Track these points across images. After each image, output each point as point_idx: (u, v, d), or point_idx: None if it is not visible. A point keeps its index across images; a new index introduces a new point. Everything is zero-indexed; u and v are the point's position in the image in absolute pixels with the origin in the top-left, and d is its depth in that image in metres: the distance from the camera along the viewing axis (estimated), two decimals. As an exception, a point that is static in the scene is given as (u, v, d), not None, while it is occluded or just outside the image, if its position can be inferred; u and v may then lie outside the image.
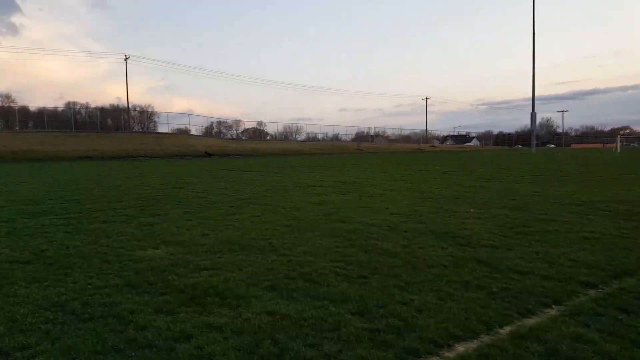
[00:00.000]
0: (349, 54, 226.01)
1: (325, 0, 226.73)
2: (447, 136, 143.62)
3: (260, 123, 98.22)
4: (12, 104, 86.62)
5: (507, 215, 8.67)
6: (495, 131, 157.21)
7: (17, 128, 74.79)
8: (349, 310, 3.78)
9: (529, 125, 64.53)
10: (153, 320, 3.55)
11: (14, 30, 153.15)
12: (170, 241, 6.46)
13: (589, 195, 11.48)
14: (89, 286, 4.39)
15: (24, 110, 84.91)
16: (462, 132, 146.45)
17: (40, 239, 6.56)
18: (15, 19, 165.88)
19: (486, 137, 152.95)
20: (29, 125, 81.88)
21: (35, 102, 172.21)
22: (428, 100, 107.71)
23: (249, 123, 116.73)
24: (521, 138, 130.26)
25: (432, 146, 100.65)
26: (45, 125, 70.61)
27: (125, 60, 66.54)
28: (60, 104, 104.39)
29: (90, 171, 24.06)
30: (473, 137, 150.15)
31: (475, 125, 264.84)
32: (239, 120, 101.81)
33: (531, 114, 60.35)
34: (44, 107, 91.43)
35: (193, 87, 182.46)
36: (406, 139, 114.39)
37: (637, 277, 4.72)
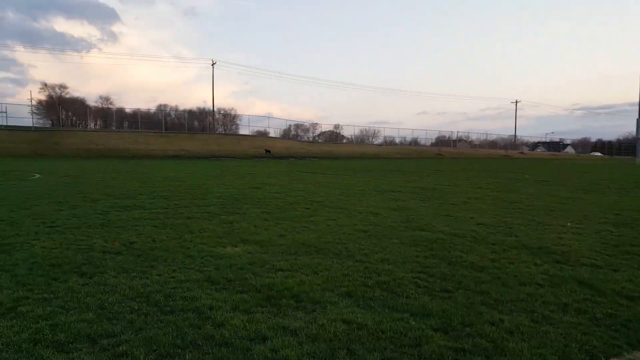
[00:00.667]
0: (429, 55, 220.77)
1: (403, 1, 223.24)
2: (538, 143, 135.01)
3: (336, 126, 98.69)
4: (110, 106, 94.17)
5: (611, 231, 7.82)
6: (594, 138, 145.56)
7: (113, 127, 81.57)
8: (431, 326, 3.51)
9: (634, 133, 58.75)
10: (230, 318, 3.52)
11: (113, 38, 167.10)
12: (249, 240, 6.53)
13: None
14: (172, 279, 4.51)
15: (121, 111, 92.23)
16: (555, 138, 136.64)
17: (130, 232, 6.92)
18: (115, 27, 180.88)
19: (583, 145, 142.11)
20: (124, 125, 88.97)
21: (130, 104, 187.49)
22: (518, 104, 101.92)
23: (326, 126, 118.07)
24: (624, 147, 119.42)
25: (521, 153, 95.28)
26: (138, 125, 76.34)
27: (212, 65, 69.94)
28: (152, 106, 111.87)
29: (177, 169, 25.45)
30: (567, 145, 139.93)
31: (570, 131, 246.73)
32: (316, 123, 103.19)
33: (637, 120, 54.88)
34: (138, 109, 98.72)
35: (273, 91, 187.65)
36: (492, 144, 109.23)
37: None
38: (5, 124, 53.92)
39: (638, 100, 55.88)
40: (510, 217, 9.35)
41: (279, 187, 15.43)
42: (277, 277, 4.63)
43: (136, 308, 3.69)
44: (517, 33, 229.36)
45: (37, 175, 18.42)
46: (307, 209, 10.05)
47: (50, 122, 79.58)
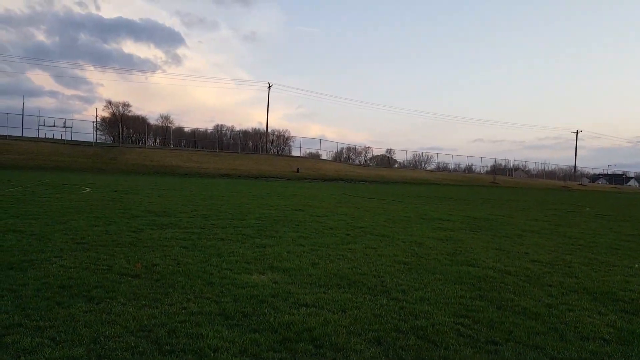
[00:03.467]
0: (485, 80, 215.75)
1: (458, 26, 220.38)
2: (599, 175, 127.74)
3: (389, 150, 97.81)
4: (169, 124, 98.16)
5: (684, 276, 6.79)
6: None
7: (171, 145, 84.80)
8: (472, 391, 2.91)
9: None
10: (234, 364, 3.07)
11: (177, 60, 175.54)
12: (278, 267, 6.10)
13: None
14: (183, 311, 4.12)
15: (179, 130, 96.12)
16: (618, 171, 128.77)
17: (157, 252, 6.67)
18: (180, 50, 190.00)
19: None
20: (182, 143, 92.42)
21: (190, 123, 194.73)
22: (579, 134, 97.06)
23: (378, 150, 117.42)
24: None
25: (581, 184, 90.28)
26: (195, 144, 79.03)
27: (268, 88, 71.42)
28: (210, 126, 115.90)
29: (224, 188, 25.65)
30: (631, 178, 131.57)
31: (633, 164, 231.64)
32: (368, 147, 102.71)
33: None
34: (196, 128, 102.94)
35: (327, 114, 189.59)
36: (550, 174, 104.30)
37: None
38: (70, 138, 57.30)
39: None
40: (570, 254, 8.42)
41: (322, 210, 15.01)
42: (299, 315, 4.15)
43: (133, 345, 3.30)
44: (579, 60, 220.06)
45: (88, 189, 18.99)
46: (347, 234, 9.55)
47: (112, 138, 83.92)
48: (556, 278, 6.34)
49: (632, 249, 9.42)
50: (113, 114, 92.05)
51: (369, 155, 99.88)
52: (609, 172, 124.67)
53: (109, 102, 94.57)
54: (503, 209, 19.53)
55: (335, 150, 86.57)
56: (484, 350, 3.61)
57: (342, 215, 13.55)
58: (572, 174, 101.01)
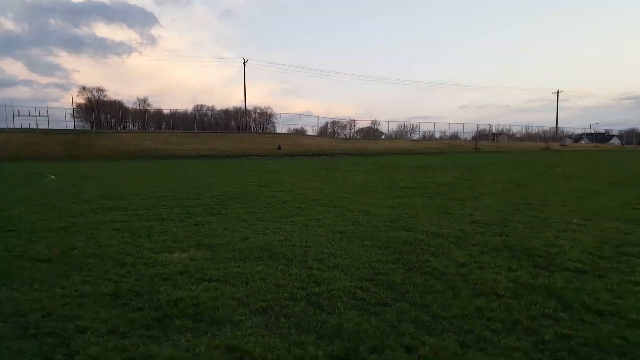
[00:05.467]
0: (469, 46, 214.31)
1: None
2: (582, 134, 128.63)
3: (374, 122, 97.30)
4: (147, 107, 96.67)
5: (619, 229, 6.87)
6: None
7: (151, 129, 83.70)
8: (329, 354, 2.90)
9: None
10: (91, 344, 3.02)
11: (153, 41, 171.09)
12: (205, 244, 6.04)
13: None
14: (74, 293, 4.07)
15: (158, 113, 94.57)
16: (601, 129, 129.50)
17: (84, 236, 6.57)
18: (154, 31, 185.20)
19: (630, 136, 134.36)
20: (162, 126, 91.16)
21: (171, 105, 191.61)
22: (561, 95, 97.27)
23: (363, 122, 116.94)
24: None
25: (562, 145, 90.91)
26: (176, 126, 77.97)
27: (243, 63, 70.27)
28: (190, 107, 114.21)
29: (198, 168, 25.40)
30: (613, 136, 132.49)
31: (617, 122, 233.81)
32: (353, 120, 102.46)
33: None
34: (176, 109, 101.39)
35: (312, 89, 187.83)
36: (534, 137, 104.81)
37: None
38: (47, 127, 56.16)
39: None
40: (515, 214, 8.47)
41: (289, 185, 14.91)
42: (195, 291, 4.10)
43: (-6, 330, 3.23)
44: (561, 21, 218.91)
45: (52, 177, 18.69)
46: (298, 208, 9.50)
47: (89, 124, 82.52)
48: (485, 238, 6.37)
49: (580, 206, 9.49)
50: (88, 100, 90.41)
51: (355, 128, 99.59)
52: (592, 132, 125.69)
53: (83, 88, 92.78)
54: (473, 174, 19.59)
55: (320, 126, 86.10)
56: (369, 312, 3.61)
57: (306, 189, 13.47)
58: (554, 135, 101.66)
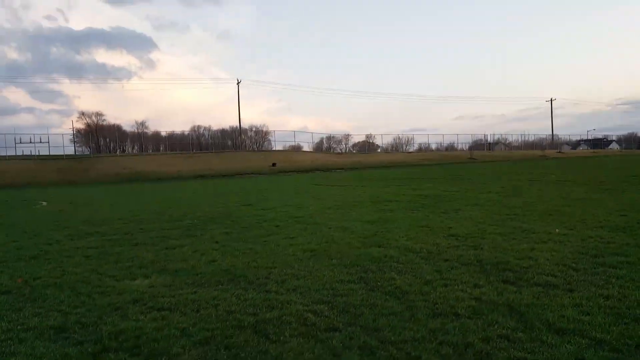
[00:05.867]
0: (462, 57, 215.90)
1: (433, 5, 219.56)
2: (580, 141, 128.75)
3: (369, 136, 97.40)
4: (145, 130, 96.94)
5: (601, 238, 6.72)
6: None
7: (150, 151, 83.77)
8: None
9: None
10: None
11: (152, 65, 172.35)
12: (169, 269, 5.91)
13: None
14: (19, 327, 3.93)
15: (156, 135, 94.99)
16: (599, 135, 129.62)
17: (52, 264, 6.44)
18: (153, 55, 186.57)
19: (629, 141, 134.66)
20: (161, 148, 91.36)
21: (170, 127, 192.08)
22: (557, 102, 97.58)
23: (359, 137, 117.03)
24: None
25: (559, 152, 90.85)
26: (173, 148, 77.95)
27: (237, 84, 70.63)
28: (187, 129, 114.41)
29: (187, 189, 25.26)
30: (612, 141, 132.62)
31: (615, 127, 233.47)
32: (348, 135, 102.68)
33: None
34: (173, 131, 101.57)
35: (308, 106, 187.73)
36: (531, 145, 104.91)
37: None
38: (48, 153, 56.29)
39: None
40: (496, 225, 8.34)
41: (274, 202, 14.77)
42: (142, 321, 3.97)
43: None
44: (553, 28, 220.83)
45: (44, 203, 18.57)
46: (277, 226, 9.36)
47: (88, 149, 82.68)
48: (458, 252, 6.23)
49: (565, 214, 9.34)
50: (87, 125, 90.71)
51: (350, 143, 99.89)
52: (590, 138, 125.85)
53: (82, 113, 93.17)
54: (462, 185, 19.46)
55: (315, 141, 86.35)
56: (316, 339, 3.46)
57: (290, 206, 13.33)
58: (550, 143, 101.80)
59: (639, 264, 5.17)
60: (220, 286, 4.99)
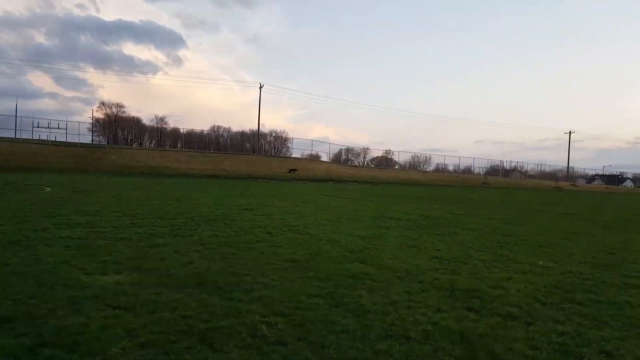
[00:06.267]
0: (487, 83, 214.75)
1: (461, 31, 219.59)
2: (595, 175, 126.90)
3: (387, 151, 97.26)
4: (164, 126, 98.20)
5: (580, 273, 6.57)
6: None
7: (167, 147, 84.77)
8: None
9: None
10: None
11: (178, 62, 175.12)
12: (144, 267, 5.89)
13: None
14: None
15: (175, 131, 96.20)
16: (615, 171, 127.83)
17: (28, 252, 6.44)
18: (181, 52, 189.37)
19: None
20: (178, 145, 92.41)
21: (192, 125, 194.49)
22: (577, 135, 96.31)
23: (377, 151, 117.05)
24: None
25: (573, 185, 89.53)
26: (191, 145, 78.89)
27: (260, 88, 71.24)
28: (206, 128, 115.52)
29: (196, 188, 25.38)
30: (627, 178, 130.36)
31: (631, 165, 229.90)
32: (367, 148, 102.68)
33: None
34: (192, 129, 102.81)
35: (330, 116, 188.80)
36: (547, 175, 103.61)
37: None
38: (64, 139, 57.40)
39: None
40: (483, 251, 8.19)
41: (276, 209, 14.76)
42: (93, 317, 3.94)
43: None
44: (579, 61, 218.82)
45: (48, 189, 18.81)
46: (268, 233, 9.31)
47: (106, 140, 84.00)
48: (436, 275, 6.12)
49: (556, 247, 9.15)
50: (107, 115, 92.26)
51: (369, 157, 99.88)
52: (606, 173, 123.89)
53: (103, 103, 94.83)
54: (468, 209, 19.24)
55: (334, 152, 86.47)
56: (259, 351, 3.40)
57: (290, 214, 13.29)
58: (566, 175, 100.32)
59: (606, 304, 5.06)
60: (186, 289, 4.95)
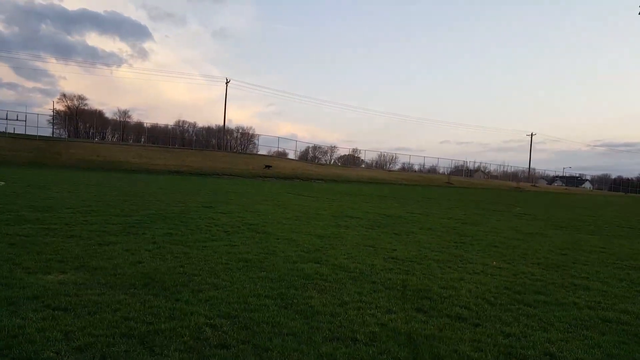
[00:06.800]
0: (454, 84, 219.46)
1: (430, 31, 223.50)
2: (555, 177, 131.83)
3: (354, 150, 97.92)
4: (127, 119, 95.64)
5: (532, 274, 6.78)
6: (614, 175, 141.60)
7: (130, 141, 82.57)
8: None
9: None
10: None
11: (144, 55, 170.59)
12: (91, 266, 5.70)
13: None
14: None
15: (139, 125, 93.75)
16: (575, 173, 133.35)
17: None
18: (146, 45, 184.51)
19: (602, 181, 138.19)
20: (142, 139, 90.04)
21: (156, 119, 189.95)
22: (538, 137, 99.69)
23: (344, 150, 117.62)
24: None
25: (534, 185, 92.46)
26: (155, 140, 76.86)
27: (226, 83, 70.34)
28: (171, 122, 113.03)
29: (155, 184, 24.84)
30: (586, 180, 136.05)
31: (591, 167, 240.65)
32: (334, 146, 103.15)
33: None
34: (157, 123, 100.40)
35: (299, 114, 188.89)
36: (509, 176, 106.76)
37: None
38: (23, 132, 54.94)
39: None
40: (438, 251, 8.34)
41: (236, 206, 14.58)
42: (30, 319, 3.80)
43: None
44: (544, 66, 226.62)
45: (2, 183, 18.00)
46: (225, 232, 9.20)
47: (66, 132, 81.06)
48: (389, 275, 6.19)
49: (510, 247, 9.42)
50: (68, 108, 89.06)
51: (336, 155, 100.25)
52: (566, 175, 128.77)
53: (64, 95, 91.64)
54: (428, 208, 19.57)
55: (301, 150, 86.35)
56: (201, 355, 3.34)
57: (250, 212, 13.17)
58: (527, 176, 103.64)
59: (554, 304, 5.22)
60: (132, 290, 4.82)
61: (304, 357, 3.38)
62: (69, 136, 75.29)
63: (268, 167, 54.81)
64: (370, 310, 4.58)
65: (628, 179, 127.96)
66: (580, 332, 4.38)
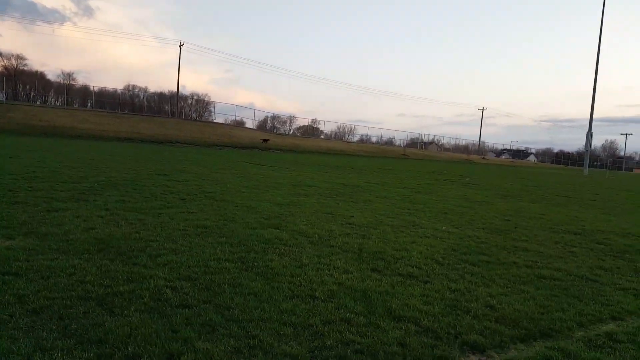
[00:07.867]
0: (411, 57, 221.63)
1: (387, 7, 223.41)
2: (503, 150, 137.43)
3: (314, 121, 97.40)
4: (72, 82, 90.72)
5: (477, 237, 7.18)
6: (556, 149, 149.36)
7: (76, 105, 78.53)
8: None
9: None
10: None
11: (90, 13, 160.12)
12: (40, 232, 5.50)
13: (598, 224, 9.66)
14: None
15: (85, 89, 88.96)
16: (522, 147, 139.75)
17: None
18: (92, 2, 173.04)
19: (545, 154, 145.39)
20: (88, 104, 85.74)
21: (101, 83, 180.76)
22: (490, 112, 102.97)
23: (303, 120, 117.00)
24: (580, 158, 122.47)
25: (483, 158, 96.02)
26: (103, 105, 73.49)
27: (180, 46, 67.75)
28: (120, 86, 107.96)
29: (104, 151, 23.91)
30: (531, 153, 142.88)
31: (536, 141, 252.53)
32: (293, 117, 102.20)
33: (587, 133, 55.33)
34: (105, 87, 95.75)
35: (257, 82, 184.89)
36: (463, 149, 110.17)
37: (553, 342, 3.28)
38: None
39: (589, 114, 55.70)
40: (393, 217, 8.61)
41: (193, 175, 14.31)
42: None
43: None
44: (496, 44, 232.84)
45: None
46: (182, 199, 9.05)
47: (4, 95, 75.95)
48: (347, 239, 6.36)
49: (459, 214, 9.83)
50: (5, 68, 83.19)
51: (295, 125, 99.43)
52: (513, 148, 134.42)
53: (0, 54, 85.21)
54: (384, 179, 19.97)
55: (259, 119, 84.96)
56: (162, 314, 3.36)
57: (207, 180, 12.98)
58: (478, 149, 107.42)
59: (495, 264, 5.62)
60: (86, 255, 4.70)
61: (265, 314, 3.45)
62: (6, 99, 70.56)
63: (265, 140, 53.70)
64: (329, 271, 4.71)
65: (569, 153, 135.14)
66: (518, 287, 4.73)
